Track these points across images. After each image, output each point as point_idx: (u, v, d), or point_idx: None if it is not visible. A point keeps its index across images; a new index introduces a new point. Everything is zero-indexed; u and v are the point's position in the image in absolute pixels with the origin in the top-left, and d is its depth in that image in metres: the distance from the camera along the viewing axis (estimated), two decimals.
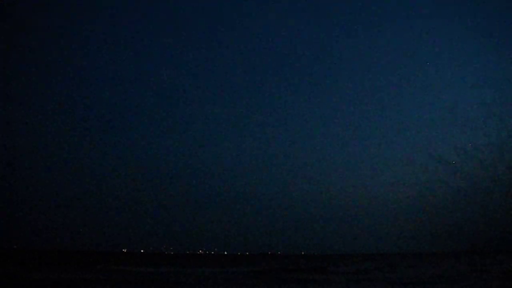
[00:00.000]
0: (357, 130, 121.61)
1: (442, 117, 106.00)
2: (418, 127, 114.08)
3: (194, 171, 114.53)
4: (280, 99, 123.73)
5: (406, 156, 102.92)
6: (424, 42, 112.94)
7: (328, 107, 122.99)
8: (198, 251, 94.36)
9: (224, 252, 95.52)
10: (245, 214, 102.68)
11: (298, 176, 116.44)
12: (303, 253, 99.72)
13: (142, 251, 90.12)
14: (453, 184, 79.52)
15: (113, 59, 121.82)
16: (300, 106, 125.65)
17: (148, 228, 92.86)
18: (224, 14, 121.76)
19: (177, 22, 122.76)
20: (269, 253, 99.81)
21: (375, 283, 17.85)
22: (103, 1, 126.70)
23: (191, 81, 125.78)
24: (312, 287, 16.57)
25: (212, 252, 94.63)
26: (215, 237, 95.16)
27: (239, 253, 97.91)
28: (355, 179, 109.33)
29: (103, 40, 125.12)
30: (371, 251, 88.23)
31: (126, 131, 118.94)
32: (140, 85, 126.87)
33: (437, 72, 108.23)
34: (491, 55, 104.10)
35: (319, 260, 53.00)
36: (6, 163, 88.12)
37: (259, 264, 36.45)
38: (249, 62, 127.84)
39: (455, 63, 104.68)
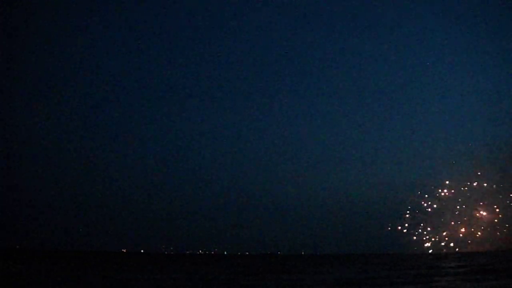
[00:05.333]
0: (368, 127, 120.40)
1: (474, 111, 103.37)
2: (445, 122, 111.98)
3: (194, 171, 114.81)
4: (285, 98, 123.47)
5: (429, 153, 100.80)
6: (446, 37, 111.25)
7: (340, 106, 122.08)
8: (198, 251, 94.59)
9: (224, 252, 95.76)
10: (245, 214, 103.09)
11: (299, 176, 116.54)
12: (303, 253, 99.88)
13: (142, 251, 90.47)
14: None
15: (112, 58, 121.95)
16: (309, 104, 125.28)
17: (148, 228, 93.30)
18: (223, 13, 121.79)
19: (174, 22, 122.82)
20: (269, 253, 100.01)
21: None
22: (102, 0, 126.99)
23: (192, 81, 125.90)
24: None
25: (212, 252, 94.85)
26: (215, 237, 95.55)
27: (239, 253, 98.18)
28: (365, 178, 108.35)
29: (102, 39, 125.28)
30: (375, 251, 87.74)
31: (126, 131, 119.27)
32: (142, 85, 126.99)
33: (466, 65, 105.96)
34: None
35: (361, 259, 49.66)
36: (5, 162, 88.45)
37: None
38: (247, 61, 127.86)
39: (483, 56, 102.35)
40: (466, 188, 74.29)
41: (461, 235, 73.45)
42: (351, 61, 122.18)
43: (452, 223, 74.46)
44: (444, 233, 74.72)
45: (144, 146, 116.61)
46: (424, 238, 75.98)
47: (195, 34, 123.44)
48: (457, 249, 72.31)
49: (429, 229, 75.24)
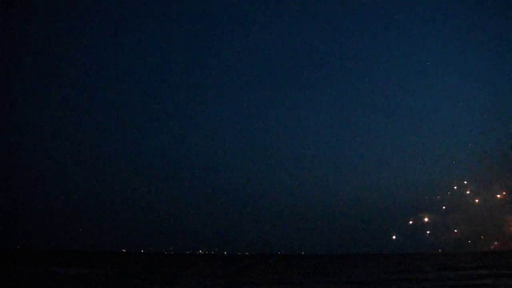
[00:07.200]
0: (376, 127, 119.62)
1: (484, 111, 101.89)
2: (457, 121, 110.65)
3: (194, 170, 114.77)
4: (291, 98, 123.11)
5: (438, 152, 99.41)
6: (447, 37, 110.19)
7: (348, 107, 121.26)
8: (198, 251, 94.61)
9: (224, 252, 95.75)
10: (245, 214, 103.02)
11: (300, 175, 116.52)
12: (303, 253, 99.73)
13: (142, 251, 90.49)
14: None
15: (112, 57, 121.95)
16: (312, 102, 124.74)
17: (148, 228, 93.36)
18: (221, 13, 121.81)
19: (173, 22, 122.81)
20: (269, 253, 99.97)
21: None
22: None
23: (191, 81, 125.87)
24: None
25: (212, 252, 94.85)
26: (215, 237, 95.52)
27: (239, 253, 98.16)
28: (377, 179, 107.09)
29: (101, 39, 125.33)
30: (376, 251, 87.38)
31: (126, 131, 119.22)
32: (141, 84, 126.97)
33: (478, 64, 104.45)
34: None
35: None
36: (6, 162, 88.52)
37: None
38: (247, 61, 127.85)
39: (498, 54, 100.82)
40: (481, 190, 73.75)
41: (476, 234, 72.94)
42: (359, 62, 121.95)
43: (466, 222, 74.01)
44: (456, 233, 74.30)
45: (145, 146, 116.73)
46: (435, 238, 75.56)
47: (197, 33, 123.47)
48: (465, 249, 71.97)
49: (441, 229, 74.73)
